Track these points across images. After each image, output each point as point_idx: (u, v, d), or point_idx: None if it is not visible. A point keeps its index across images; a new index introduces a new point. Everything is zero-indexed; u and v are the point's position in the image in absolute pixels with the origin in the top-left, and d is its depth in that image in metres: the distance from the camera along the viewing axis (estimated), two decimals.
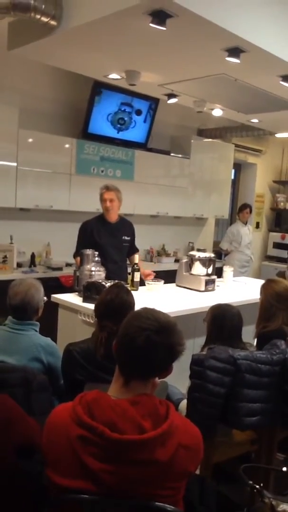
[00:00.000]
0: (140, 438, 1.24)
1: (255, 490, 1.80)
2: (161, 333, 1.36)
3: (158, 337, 1.35)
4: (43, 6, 2.94)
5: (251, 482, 1.82)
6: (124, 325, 1.41)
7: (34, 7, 2.91)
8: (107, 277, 3.52)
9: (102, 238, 3.96)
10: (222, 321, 2.47)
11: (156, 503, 1.26)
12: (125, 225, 4.19)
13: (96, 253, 3.58)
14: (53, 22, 3.05)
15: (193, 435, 1.37)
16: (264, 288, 2.90)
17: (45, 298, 2.47)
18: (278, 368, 2.35)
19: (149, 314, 1.41)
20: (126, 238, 4.13)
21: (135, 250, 4.25)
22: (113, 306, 2.25)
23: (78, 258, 3.75)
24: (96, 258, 3.55)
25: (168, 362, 1.40)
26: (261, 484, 1.81)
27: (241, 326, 2.51)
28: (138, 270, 3.91)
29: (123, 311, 2.14)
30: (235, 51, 3.20)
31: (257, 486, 1.80)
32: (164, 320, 1.40)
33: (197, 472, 2.04)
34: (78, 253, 3.85)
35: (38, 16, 2.97)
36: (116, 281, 3.13)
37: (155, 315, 1.41)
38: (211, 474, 2.34)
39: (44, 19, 3.00)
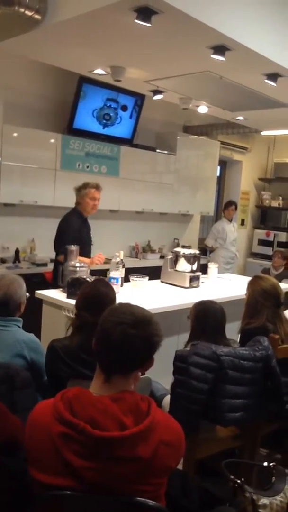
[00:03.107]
0: (121, 435, 1.24)
1: (236, 485, 1.82)
2: (137, 326, 1.37)
3: (134, 330, 1.36)
4: (27, 0, 2.91)
5: (232, 477, 1.84)
6: (101, 321, 1.42)
7: (19, 1, 2.88)
8: None
9: (83, 234, 4.00)
10: (205, 317, 2.48)
11: (138, 498, 1.27)
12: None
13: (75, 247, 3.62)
14: (37, 16, 3.02)
15: (175, 431, 1.38)
16: (251, 284, 2.91)
17: (27, 294, 2.46)
18: (261, 364, 2.37)
19: (124, 308, 1.43)
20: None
21: None
22: (89, 297, 2.29)
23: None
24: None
25: (147, 355, 1.41)
26: (242, 479, 1.83)
27: (224, 322, 2.53)
28: (123, 266, 3.91)
29: (100, 302, 2.18)
30: (220, 49, 3.21)
31: (238, 481, 1.82)
32: (139, 313, 1.41)
33: (180, 468, 2.06)
34: (63, 249, 3.82)
35: (22, 10, 2.94)
36: (101, 277, 3.13)
37: (130, 309, 1.42)
38: (194, 470, 2.36)
39: (28, 13, 2.97)
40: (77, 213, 4.12)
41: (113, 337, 1.36)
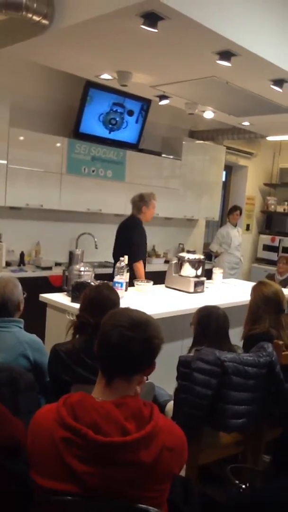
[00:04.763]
0: (123, 440, 1.24)
1: (241, 490, 1.82)
2: (134, 329, 1.38)
3: (132, 333, 1.37)
4: (35, 5, 2.92)
5: (237, 481, 1.84)
6: (101, 325, 1.44)
7: (26, 6, 2.89)
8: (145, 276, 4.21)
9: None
10: (208, 322, 2.48)
11: (140, 505, 1.26)
12: None
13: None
14: (44, 21, 3.03)
15: (177, 437, 1.37)
16: (254, 290, 2.91)
17: (24, 293, 2.46)
18: (265, 370, 2.36)
19: (123, 312, 1.45)
20: None
21: None
22: (91, 299, 2.31)
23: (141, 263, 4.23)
24: None
25: (148, 358, 1.41)
26: (247, 484, 1.83)
27: (227, 327, 2.52)
28: (128, 270, 3.91)
29: (101, 304, 2.21)
30: (226, 55, 3.21)
31: (243, 486, 1.82)
32: (136, 316, 1.42)
33: (183, 474, 2.05)
34: (141, 256, 4.32)
35: (29, 15, 2.95)
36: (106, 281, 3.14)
37: (129, 312, 1.44)
38: (197, 476, 2.35)
39: (36, 18, 2.98)
40: (140, 221, 4.51)
41: (111, 340, 1.37)
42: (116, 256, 4.52)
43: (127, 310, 1.47)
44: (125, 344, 1.36)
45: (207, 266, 4.56)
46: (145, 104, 5.65)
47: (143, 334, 1.38)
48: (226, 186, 8.04)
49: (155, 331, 1.42)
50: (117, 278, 3.57)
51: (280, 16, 3.38)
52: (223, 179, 7.48)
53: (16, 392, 1.96)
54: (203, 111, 5.14)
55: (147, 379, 1.55)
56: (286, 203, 8.06)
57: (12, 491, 1.52)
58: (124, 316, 1.41)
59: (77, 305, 3.08)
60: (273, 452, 2.68)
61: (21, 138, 4.69)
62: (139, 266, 4.30)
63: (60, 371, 2.18)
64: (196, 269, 4.13)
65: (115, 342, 1.36)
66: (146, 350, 1.39)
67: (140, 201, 4.51)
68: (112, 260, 4.77)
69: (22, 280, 2.54)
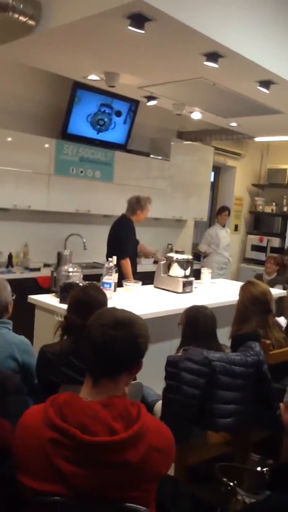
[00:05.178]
0: (111, 440, 1.24)
1: (229, 488, 1.83)
2: (118, 327, 1.38)
3: (115, 331, 1.37)
4: (21, 6, 2.91)
5: (225, 479, 1.84)
6: (87, 326, 1.44)
7: (12, 7, 2.88)
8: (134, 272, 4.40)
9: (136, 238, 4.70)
10: (196, 322, 2.49)
11: (129, 504, 1.27)
12: None
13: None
14: (31, 22, 3.02)
15: (165, 437, 1.37)
16: (242, 290, 2.93)
17: (13, 294, 2.45)
18: (252, 370, 2.37)
19: (108, 311, 1.45)
20: None
21: None
22: (78, 300, 2.32)
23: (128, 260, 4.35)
24: None
25: (133, 357, 1.42)
26: (235, 482, 1.84)
27: (215, 327, 2.53)
28: (116, 271, 3.92)
29: (88, 305, 2.20)
30: (213, 56, 3.23)
31: (231, 484, 1.83)
32: (120, 315, 1.43)
33: (172, 474, 2.06)
34: (128, 253, 4.44)
35: (16, 16, 2.94)
36: (94, 282, 3.14)
37: (113, 312, 1.44)
38: (186, 476, 2.35)
39: (22, 18, 2.97)
40: (131, 221, 4.67)
41: (96, 339, 1.37)
42: (109, 256, 4.58)
43: (113, 309, 1.47)
44: (108, 343, 1.37)
45: (195, 266, 4.58)
46: (133, 105, 5.65)
47: (127, 333, 1.38)
48: (214, 186, 8.07)
49: (140, 329, 1.42)
50: (105, 279, 3.57)
51: (267, 19, 3.41)
52: (212, 179, 7.51)
53: (4, 395, 1.95)
54: (191, 112, 5.16)
55: (135, 379, 1.55)
56: (273, 203, 8.12)
57: (3, 494, 1.51)
58: (109, 316, 1.41)
59: (65, 306, 3.07)
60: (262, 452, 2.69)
61: (9, 139, 4.66)
62: (124, 263, 4.38)
63: (48, 372, 2.17)
64: (185, 269, 4.15)
65: (99, 342, 1.37)
66: (131, 349, 1.39)
67: (137, 203, 4.66)
68: (104, 261, 4.76)
69: (11, 282, 2.52)
